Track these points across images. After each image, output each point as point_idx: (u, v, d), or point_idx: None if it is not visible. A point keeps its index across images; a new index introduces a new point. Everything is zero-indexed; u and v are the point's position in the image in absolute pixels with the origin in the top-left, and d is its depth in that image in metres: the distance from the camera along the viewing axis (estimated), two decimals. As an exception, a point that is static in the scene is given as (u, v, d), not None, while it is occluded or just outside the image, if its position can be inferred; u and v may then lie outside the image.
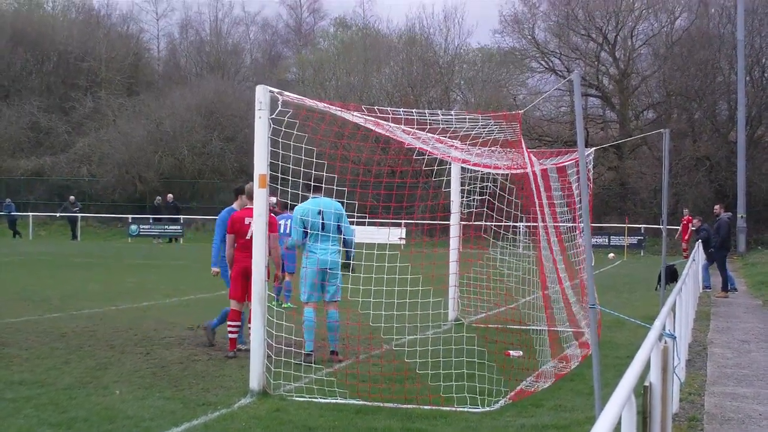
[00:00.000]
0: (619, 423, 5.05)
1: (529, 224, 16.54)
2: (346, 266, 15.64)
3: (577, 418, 11.22)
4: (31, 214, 65.31)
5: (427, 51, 76.80)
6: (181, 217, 61.43)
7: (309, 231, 14.92)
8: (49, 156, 75.07)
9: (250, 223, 14.87)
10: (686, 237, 45.06)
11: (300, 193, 14.46)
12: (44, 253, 45.19)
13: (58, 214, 65.06)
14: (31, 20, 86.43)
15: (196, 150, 71.99)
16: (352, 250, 15.73)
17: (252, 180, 13.16)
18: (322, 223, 14.92)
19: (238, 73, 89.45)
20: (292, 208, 14.12)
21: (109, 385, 12.88)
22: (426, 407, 11.70)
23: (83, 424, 10.68)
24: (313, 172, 13.51)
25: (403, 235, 43.68)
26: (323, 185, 14.94)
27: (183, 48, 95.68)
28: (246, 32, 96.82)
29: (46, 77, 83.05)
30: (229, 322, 15.76)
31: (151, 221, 61.86)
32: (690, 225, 40.74)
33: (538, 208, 14.78)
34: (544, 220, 15.37)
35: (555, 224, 17.43)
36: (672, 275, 26.84)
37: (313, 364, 14.02)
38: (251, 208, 14.26)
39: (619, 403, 5.00)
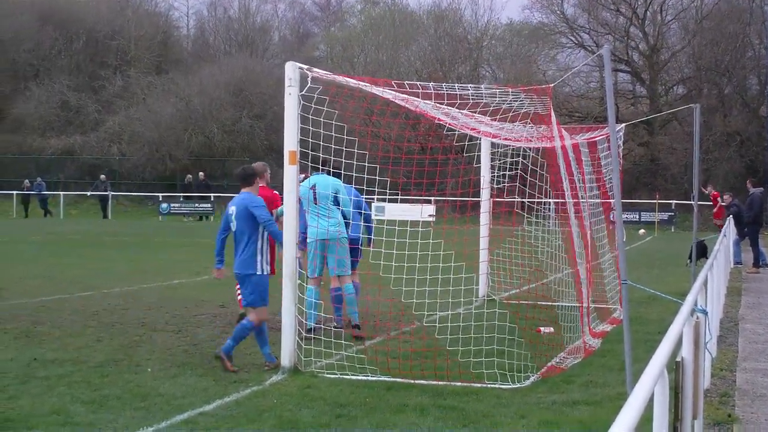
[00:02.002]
0: (651, 398, 5.03)
1: (558, 200, 16.48)
2: (366, 242, 15.87)
3: (609, 394, 11.19)
4: (61, 193, 65.57)
5: (456, 27, 76.52)
6: (212, 195, 61.51)
7: (303, 207, 14.91)
8: (79, 135, 75.28)
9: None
10: (719, 213, 44.75)
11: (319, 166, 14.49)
12: (75, 232, 45.40)
13: (89, 193, 65.31)
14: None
15: (225, 128, 72.06)
16: (371, 224, 15.81)
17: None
18: (315, 198, 15.09)
19: (266, 51, 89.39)
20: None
21: (141, 363, 12.95)
22: (457, 384, 11.71)
23: (116, 401, 10.74)
24: (344, 149, 13.49)
25: (434, 212, 43.64)
26: (326, 167, 14.93)
27: (212, 26, 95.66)
28: (274, 9, 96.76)
29: (75, 56, 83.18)
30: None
31: (181, 199, 62.00)
32: (719, 200, 40.48)
33: (566, 183, 14.72)
34: (575, 196, 15.32)
35: (586, 200, 17.37)
36: (702, 251, 26.67)
37: (313, 336, 13.96)
38: (263, 187, 15.11)
39: (652, 378, 4.98)
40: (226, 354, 12.56)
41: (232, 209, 13.07)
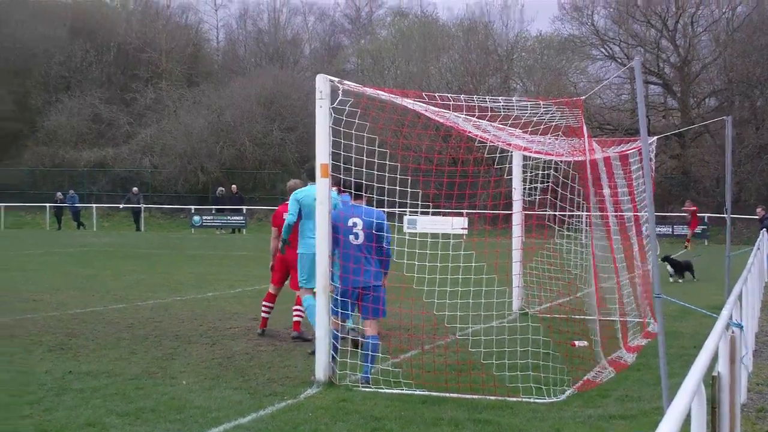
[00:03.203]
0: (687, 413, 5.02)
1: (588, 213, 16.45)
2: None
3: (645, 409, 11.16)
4: (94, 205, 65.79)
5: (487, 39, 76.47)
6: (244, 207, 61.61)
7: (303, 215, 15.47)
8: (111, 147, 75.61)
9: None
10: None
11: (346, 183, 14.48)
12: (108, 244, 45.62)
13: (121, 206, 65.53)
14: (91, 12, 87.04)
15: (256, 140, 72.18)
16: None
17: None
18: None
19: (297, 63, 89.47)
20: (356, 197, 14.07)
21: (176, 376, 12.99)
22: (492, 398, 11.68)
23: (151, 414, 10.78)
24: (376, 161, 13.48)
25: (466, 225, 43.56)
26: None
27: (242, 38, 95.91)
28: (304, 22, 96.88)
29: (106, 68, 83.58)
30: (263, 303, 16.82)
31: (213, 212, 62.11)
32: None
33: (594, 198, 14.69)
34: (604, 210, 15.28)
35: (617, 214, 17.32)
36: (686, 267, 28.02)
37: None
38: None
39: (689, 393, 4.97)
40: (366, 380, 12.55)
41: (354, 221, 13.05)
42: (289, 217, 15.58)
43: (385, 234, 13.33)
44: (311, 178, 15.27)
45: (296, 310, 16.39)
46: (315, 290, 14.57)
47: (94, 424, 10.28)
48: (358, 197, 13.42)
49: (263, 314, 17.03)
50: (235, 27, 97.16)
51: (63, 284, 25.39)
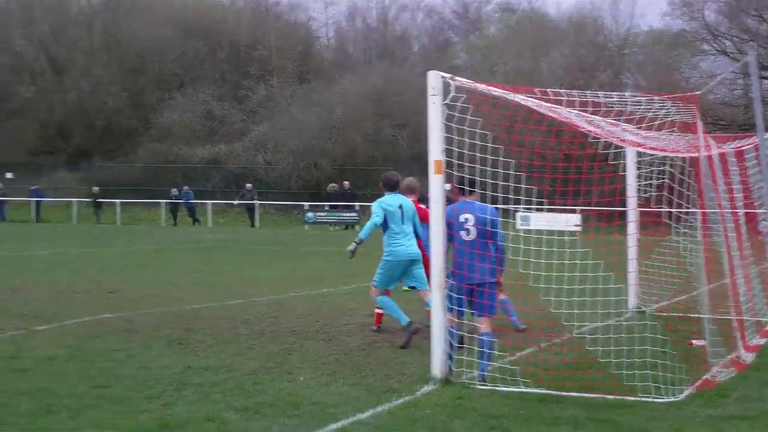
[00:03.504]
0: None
1: (702, 210, 16.21)
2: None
3: (766, 409, 11.00)
4: (209, 201, 66.51)
5: (597, 34, 75.84)
6: (357, 204, 61.73)
7: (389, 221, 15.92)
8: (224, 144, 76.39)
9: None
10: None
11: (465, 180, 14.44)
12: (223, 240, 46.12)
13: (235, 202, 66.18)
14: (203, 10, 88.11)
15: (368, 137, 72.38)
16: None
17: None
18: (402, 217, 15.93)
19: (406, 60, 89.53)
20: (468, 193, 14.01)
21: (293, 371, 13.07)
22: (610, 396, 11.55)
23: (269, 409, 10.87)
24: (489, 157, 13.41)
25: (579, 222, 43.26)
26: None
27: (351, 35, 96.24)
28: (413, 18, 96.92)
29: (218, 66, 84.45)
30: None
31: (326, 208, 62.32)
32: None
33: (709, 194, 14.48)
34: (719, 207, 15.06)
35: (732, 211, 17.06)
36: None
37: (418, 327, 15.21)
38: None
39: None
40: (482, 378, 12.59)
41: (466, 217, 13.07)
42: (375, 218, 15.95)
43: (498, 230, 13.27)
44: (389, 188, 16.17)
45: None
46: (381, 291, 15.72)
47: (214, 419, 10.39)
48: (469, 193, 13.38)
49: (378, 311, 17.09)
50: (345, 24, 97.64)
51: (180, 280, 25.76)
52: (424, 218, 15.77)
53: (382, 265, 16.09)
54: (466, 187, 13.34)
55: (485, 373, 12.56)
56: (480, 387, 12.07)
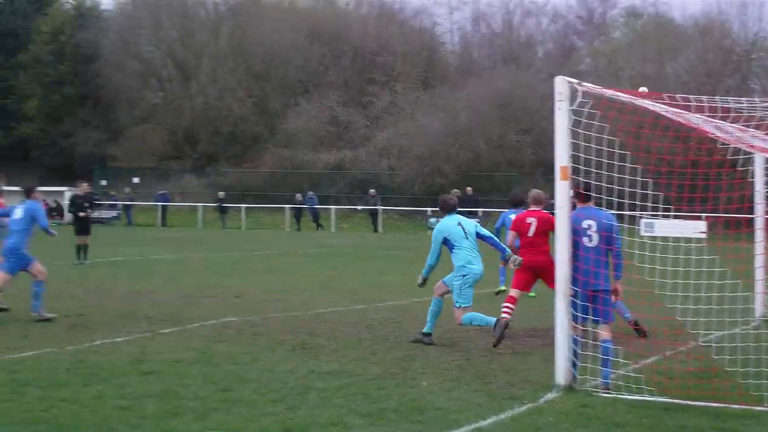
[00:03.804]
0: None
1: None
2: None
3: None
4: (333, 207, 66.90)
5: (724, 38, 74.64)
6: (480, 210, 61.55)
7: (453, 242, 16.22)
8: (348, 150, 76.68)
9: (530, 222, 16.72)
10: None
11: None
12: (347, 245, 46.32)
13: (359, 207, 66.51)
14: (327, 16, 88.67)
15: (492, 143, 72.08)
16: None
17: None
18: (465, 233, 16.20)
19: (531, 65, 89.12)
20: (585, 199, 13.89)
21: (417, 377, 13.09)
22: (735, 406, 11.36)
23: (393, 414, 10.90)
24: (616, 163, 13.26)
25: (704, 229, 42.62)
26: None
27: (476, 40, 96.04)
28: (537, 24, 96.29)
29: (343, 72, 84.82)
30: (504, 304, 16.67)
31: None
32: None
33: None
34: None
35: None
36: None
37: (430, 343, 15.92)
38: (534, 210, 16.95)
39: None
40: (606, 385, 12.54)
41: (588, 223, 13.08)
42: (431, 260, 16.54)
43: (618, 236, 13.20)
44: (446, 210, 16.58)
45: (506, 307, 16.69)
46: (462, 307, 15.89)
47: (337, 424, 10.45)
48: (588, 198, 13.30)
49: (504, 315, 16.86)
50: (469, 29, 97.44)
51: (305, 284, 25.93)
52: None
53: (460, 285, 16.18)
54: (588, 192, 13.27)
55: (609, 380, 12.47)
56: (603, 395, 11.97)
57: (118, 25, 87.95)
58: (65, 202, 62.28)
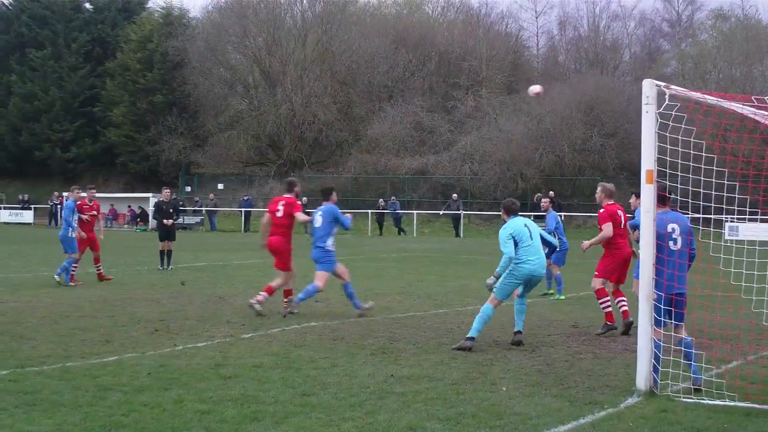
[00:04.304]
0: None
1: None
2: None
3: None
4: (415, 212, 67.04)
5: (814, 39, 73.80)
6: (562, 214, 61.27)
7: (518, 242, 16.37)
8: (432, 155, 76.78)
9: (621, 215, 18.29)
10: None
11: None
12: (428, 250, 46.31)
13: (441, 212, 66.58)
14: (412, 22, 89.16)
15: (576, 146, 71.75)
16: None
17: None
18: (530, 234, 16.50)
19: (617, 69, 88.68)
20: (662, 202, 13.85)
21: (496, 382, 13.01)
22: (819, 412, 11.20)
23: (471, 419, 10.83)
24: (702, 166, 13.10)
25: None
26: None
27: (562, 44, 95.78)
28: (624, 27, 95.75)
29: (428, 78, 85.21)
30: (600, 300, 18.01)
31: (532, 218, 61.94)
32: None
33: None
34: None
35: None
36: None
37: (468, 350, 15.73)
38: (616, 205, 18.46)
39: None
40: (698, 381, 12.54)
41: (673, 227, 13.15)
42: (508, 253, 16.24)
43: (692, 238, 13.36)
44: (510, 213, 16.80)
45: (619, 301, 18.03)
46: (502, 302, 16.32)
47: (415, 428, 10.41)
48: (665, 201, 13.25)
49: (606, 309, 18.00)
50: (555, 33, 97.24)
51: (387, 289, 25.97)
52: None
53: (508, 279, 16.34)
54: (668, 194, 13.23)
55: (700, 376, 12.56)
56: (684, 400, 11.82)
57: (206, 32, 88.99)
58: (150, 209, 63.06)
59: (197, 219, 71.25)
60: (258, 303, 19.97)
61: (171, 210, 32.72)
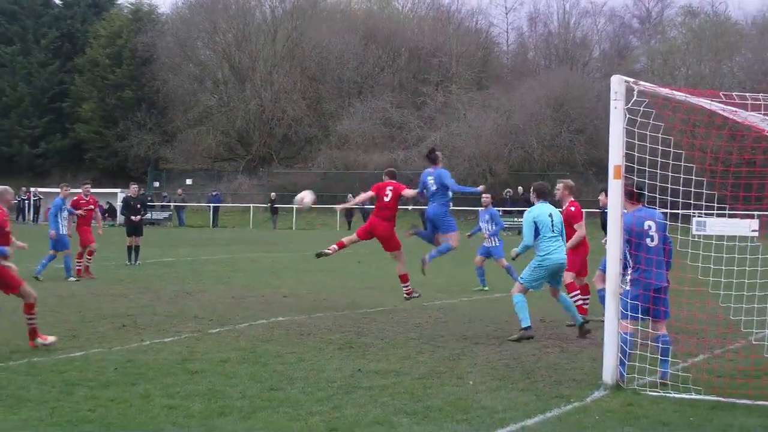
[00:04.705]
0: None
1: None
2: None
3: None
4: (384, 207, 67.02)
5: (783, 37, 74.23)
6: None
7: (541, 229, 16.50)
8: (401, 150, 76.80)
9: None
10: None
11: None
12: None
13: (410, 207, 66.62)
14: (383, 18, 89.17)
15: (545, 142, 71.97)
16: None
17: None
18: (552, 224, 16.55)
19: (586, 65, 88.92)
20: (640, 199, 13.89)
21: (463, 376, 13.02)
22: (786, 405, 11.26)
23: (438, 413, 10.83)
24: (670, 162, 13.14)
25: (757, 227, 42.25)
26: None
27: (531, 41, 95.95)
28: (593, 23, 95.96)
29: (397, 74, 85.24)
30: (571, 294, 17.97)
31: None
32: None
33: None
34: None
35: None
36: None
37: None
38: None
39: None
40: (665, 376, 12.58)
41: (649, 224, 13.14)
42: (527, 241, 16.55)
43: (667, 234, 13.35)
44: (540, 197, 16.79)
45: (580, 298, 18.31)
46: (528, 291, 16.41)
47: (383, 422, 10.39)
48: (639, 199, 13.28)
49: (577, 303, 17.96)
50: (525, 30, 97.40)
51: (353, 284, 25.99)
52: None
53: (535, 267, 16.48)
54: (642, 192, 13.27)
55: (668, 372, 12.58)
56: (651, 393, 11.86)
57: (175, 28, 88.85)
58: (118, 204, 62.85)
59: (165, 214, 71.06)
60: (409, 294, 20.67)
61: (139, 206, 32.62)
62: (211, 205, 70.87)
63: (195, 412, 10.81)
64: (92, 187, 31.12)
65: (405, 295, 20.59)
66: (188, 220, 71.45)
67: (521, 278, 16.64)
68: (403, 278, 20.76)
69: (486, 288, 25.06)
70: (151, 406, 11.09)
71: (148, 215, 48.95)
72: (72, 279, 26.00)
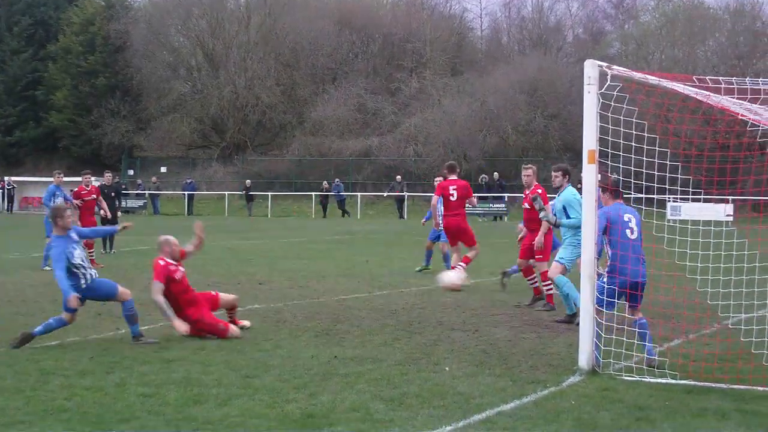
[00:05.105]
0: None
1: None
2: None
3: None
4: (359, 194, 67.09)
5: (755, 21, 74.37)
6: (506, 195, 61.64)
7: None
8: (376, 137, 76.85)
9: None
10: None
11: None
12: (372, 232, 46.33)
13: (385, 194, 66.70)
14: (357, 4, 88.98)
15: (519, 128, 72.12)
16: None
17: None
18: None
19: (560, 50, 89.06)
20: (616, 195, 13.95)
21: (440, 362, 13.02)
22: (760, 388, 11.32)
23: (415, 399, 10.84)
24: (645, 147, 13.16)
25: (731, 212, 42.48)
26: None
27: (505, 26, 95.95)
28: (567, 8, 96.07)
29: (371, 59, 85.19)
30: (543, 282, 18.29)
31: (475, 200, 62.23)
32: None
33: None
34: None
35: None
36: None
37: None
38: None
39: None
40: (652, 356, 12.68)
41: (629, 217, 13.24)
42: (578, 218, 15.73)
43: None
44: (567, 175, 17.05)
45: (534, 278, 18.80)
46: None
47: (359, 409, 10.39)
48: (617, 195, 13.34)
49: (549, 291, 18.37)
50: (499, 15, 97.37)
51: (329, 271, 25.92)
52: None
53: (576, 248, 15.93)
54: (618, 189, 13.34)
55: (654, 354, 12.74)
56: (626, 378, 11.90)
57: (148, 15, 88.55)
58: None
59: (140, 203, 70.82)
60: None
61: (113, 194, 32.52)
62: (186, 192, 70.73)
63: (171, 400, 10.79)
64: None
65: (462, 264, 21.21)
66: (163, 208, 71.35)
67: (561, 259, 16.63)
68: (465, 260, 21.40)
69: (429, 267, 25.63)
70: (127, 394, 11.07)
71: (123, 203, 48.77)
72: (47, 269, 25.88)
